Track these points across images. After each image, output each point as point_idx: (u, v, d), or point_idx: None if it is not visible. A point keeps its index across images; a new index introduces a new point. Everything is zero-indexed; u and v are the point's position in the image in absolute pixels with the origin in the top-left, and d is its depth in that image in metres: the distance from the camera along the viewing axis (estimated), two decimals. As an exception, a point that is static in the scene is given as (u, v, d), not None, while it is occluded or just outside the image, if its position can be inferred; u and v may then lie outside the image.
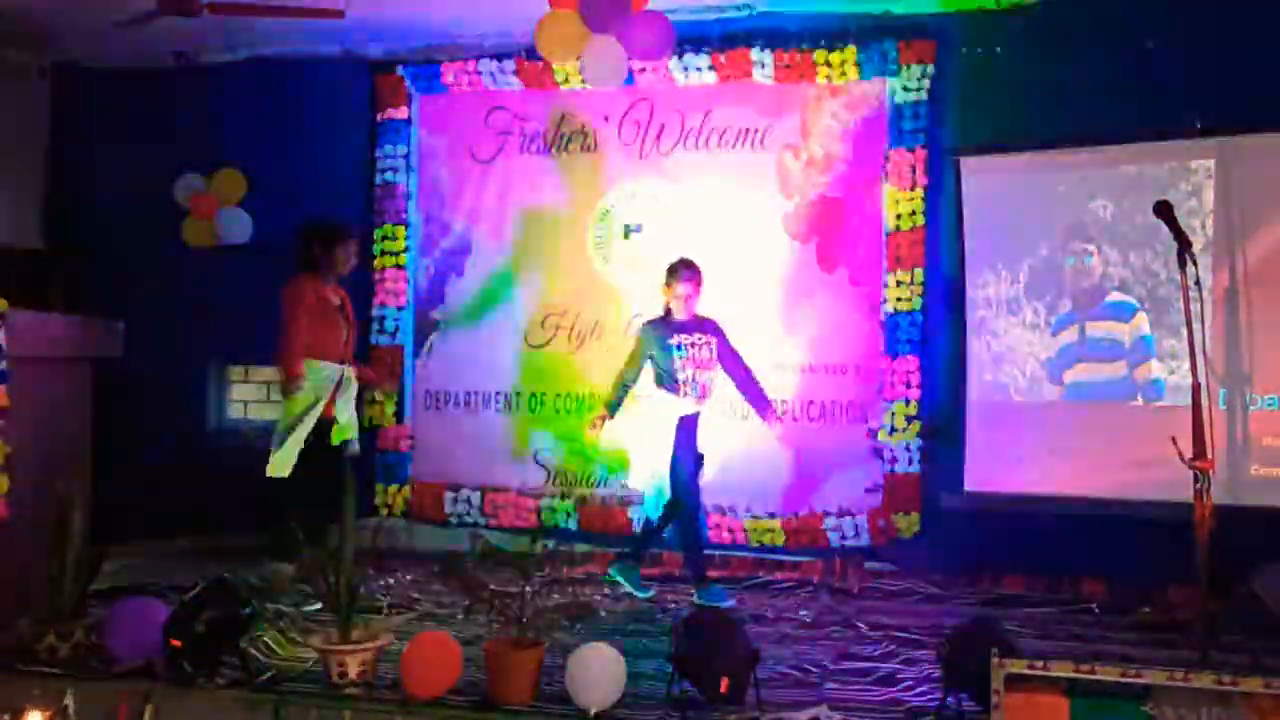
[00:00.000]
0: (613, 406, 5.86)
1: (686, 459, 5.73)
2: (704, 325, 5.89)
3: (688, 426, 5.75)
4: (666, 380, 5.78)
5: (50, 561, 4.36)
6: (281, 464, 5.70)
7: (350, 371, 5.99)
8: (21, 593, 4.45)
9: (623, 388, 5.88)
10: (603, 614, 5.49)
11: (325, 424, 5.83)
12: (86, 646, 4.30)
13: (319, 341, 5.82)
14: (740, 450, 6.69)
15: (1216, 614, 4.59)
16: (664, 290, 5.87)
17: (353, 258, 6.09)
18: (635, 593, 5.83)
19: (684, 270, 5.83)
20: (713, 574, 6.42)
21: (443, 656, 3.96)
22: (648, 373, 5.89)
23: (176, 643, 4.05)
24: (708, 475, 6.03)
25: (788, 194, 6.86)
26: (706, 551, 6.56)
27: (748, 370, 5.97)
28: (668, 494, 5.77)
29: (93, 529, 4.81)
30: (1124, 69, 6.17)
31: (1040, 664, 3.36)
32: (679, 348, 5.74)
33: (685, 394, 5.75)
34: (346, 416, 5.95)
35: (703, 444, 5.82)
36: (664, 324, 5.85)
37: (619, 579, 5.87)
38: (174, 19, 6.17)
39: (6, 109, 7.82)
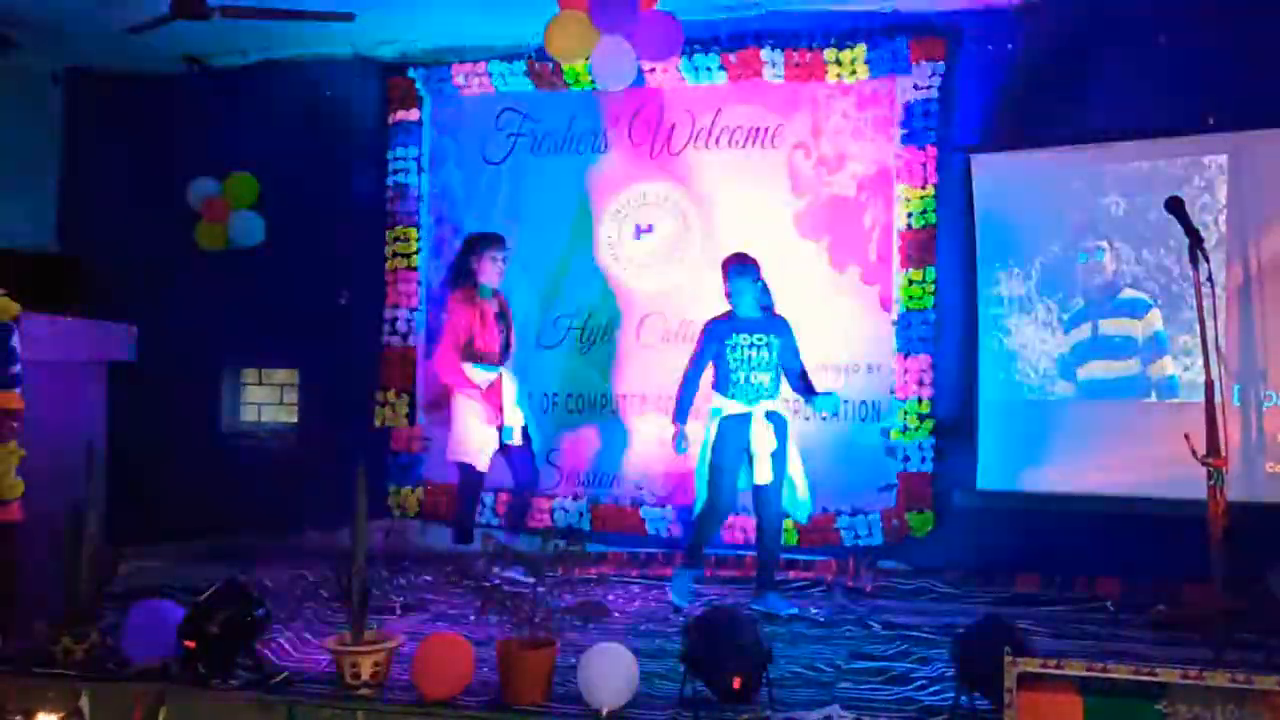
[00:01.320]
0: (682, 413, 5.64)
1: (724, 462, 5.55)
2: (771, 324, 5.68)
3: (733, 428, 5.55)
4: (720, 381, 5.63)
5: (65, 564, 4.38)
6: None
7: (506, 372, 6.19)
8: (37, 595, 4.47)
9: (686, 390, 5.68)
10: (615, 614, 5.49)
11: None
12: (101, 648, 4.32)
13: (479, 347, 6.04)
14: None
15: (1232, 612, 4.58)
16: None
17: (497, 263, 6.17)
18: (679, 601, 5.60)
19: (728, 267, 5.68)
20: (725, 573, 6.45)
21: (455, 657, 3.97)
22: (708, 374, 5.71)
23: (191, 644, 4.07)
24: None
25: (799, 193, 6.86)
26: (721, 551, 6.58)
27: (801, 373, 5.80)
28: (705, 494, 5.63)
29: (107, 531, 4.84)
30: (1135, 65, 6.16)
31: (1054, 663, 3.34)
32: (734, 348, 5.58)
33: (733, 395, 5.58)
34: (510, 414, 6.10)
35: (756, 445, 5.54)
36: (726, 321, 5.67)
37: (677, 598, 5.62)
38: (186, 23, 6.17)
39: (21, 115, 7.87)
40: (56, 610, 4.36)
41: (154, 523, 6.71)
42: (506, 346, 6.26)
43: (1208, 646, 4.49)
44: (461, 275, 6.17)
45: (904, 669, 4.44)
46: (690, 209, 7.03)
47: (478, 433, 6.05)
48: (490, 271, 6.14)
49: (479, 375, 6.08)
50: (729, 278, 5.65)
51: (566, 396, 7.17)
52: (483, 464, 6.10)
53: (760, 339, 5.62)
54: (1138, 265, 5.99)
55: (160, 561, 6.50)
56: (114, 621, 4.42)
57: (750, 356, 5.59)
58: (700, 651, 3.86)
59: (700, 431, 5.72)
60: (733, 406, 5.58)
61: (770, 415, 5.61)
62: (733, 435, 5.54)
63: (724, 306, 5.74)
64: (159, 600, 4.49)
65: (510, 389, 6.17)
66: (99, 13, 6.74)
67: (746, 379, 5.58)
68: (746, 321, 5.64)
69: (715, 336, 5.64)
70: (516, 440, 6.13)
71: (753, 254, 5.71)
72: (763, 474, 5.57)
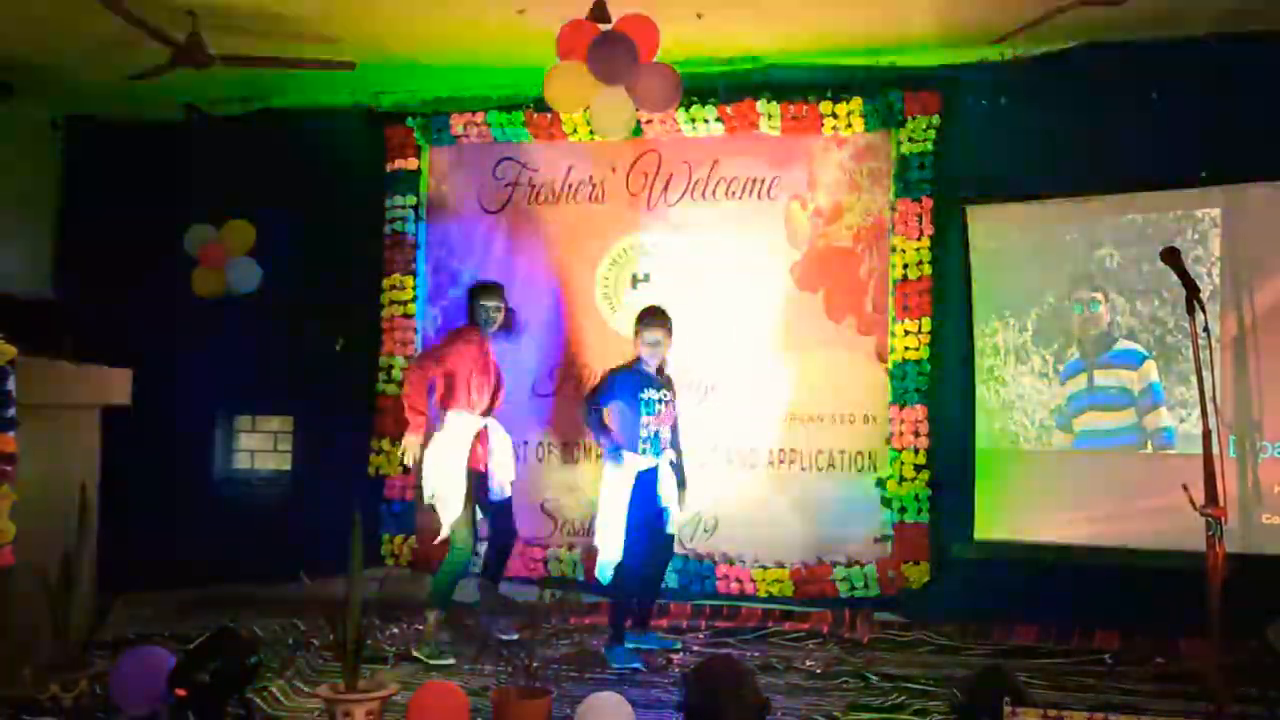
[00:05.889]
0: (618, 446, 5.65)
1: (639, 515, 5.57)
2: (670, 382, 5.84)
3: (645, 481, 5.60)
4: (626, 431, 5.66)
5: (55, 610, 4.34)
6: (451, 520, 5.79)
7: (494, 422, 5.99)
8: (26, 641, 4.42)
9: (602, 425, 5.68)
10: (611, 663, 5.44)
11: (477, 475, 5.85)
12: (91, 696, 4.27)
13: (465, 391, 5.87)
14: (747, 500, 6.68)
15: (1232, 665, 4.54)
16: (635, 338, 5.79)
17: (491, 313, 6.01)
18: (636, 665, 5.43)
19: (657, 318, 5.76)
20: (721, 624, 6.40)
21: (449, 706, 3.93)
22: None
23: (182, 692, 4.02)
24: (715, 525, 5.92)
25: (795, 244, 6.89)
26: (714, 602, 6.55)
27: (679, 449, 5.90)
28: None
29: (99, 577, 4.80)
30: (1128, 119, 6.22)
31: (1054, 713, 3.32)
32: (648, 404, 5.63)
33: (644, 450, 5.62)
34: (494, 465, 5.94)
35: (665, 496, 5.66)
36: (636, 375, 5.71)
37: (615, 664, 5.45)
38: (186, 71, 6.22)
39: (20, 161, 7.90)
40: (46, 657, 4.32)
41: (146, 569, 6.65)
42: (494, 397, 6.09)
43: (1207, 700, 4.46)
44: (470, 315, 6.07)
45: (903, 721, 4.41)
46: (687, 259, 7.06)
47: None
48: (479, 318, 5.99)
49: (462, 422, 5.88)
50: (658, 327, 5.72)
51: (563, 445, 7.16)
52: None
53: (668, 394, 5.77)
54: (1133, 317, 6.02)
55: (151, 608, 6.45)
56: (104, 669, 4.37)
57: (663, 412, 5.69)
58: (698, 702, 3.82)
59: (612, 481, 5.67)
60: (643, 461, 5.62)
61: (672, 465, 5.75)
62: (647, 487, 5.60)
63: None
64: (150, 648, 4.45)
65: (502, 443, 6.02)
66: (99, 61, 6.79)
67: (655, 433, 5.65)
68: (654, 377, 5.75)
69: (632, 387, 5.66)
70: (506, 493, 6.00)
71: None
72: (671, 524, 5.74)
